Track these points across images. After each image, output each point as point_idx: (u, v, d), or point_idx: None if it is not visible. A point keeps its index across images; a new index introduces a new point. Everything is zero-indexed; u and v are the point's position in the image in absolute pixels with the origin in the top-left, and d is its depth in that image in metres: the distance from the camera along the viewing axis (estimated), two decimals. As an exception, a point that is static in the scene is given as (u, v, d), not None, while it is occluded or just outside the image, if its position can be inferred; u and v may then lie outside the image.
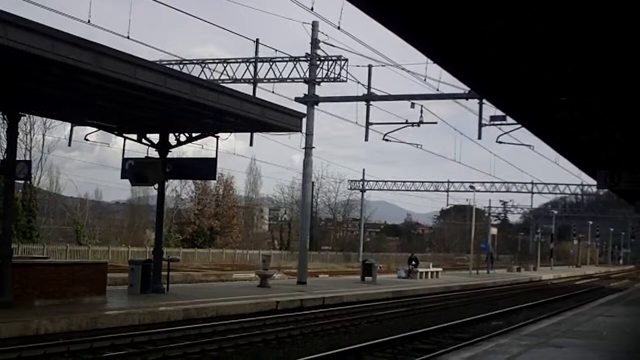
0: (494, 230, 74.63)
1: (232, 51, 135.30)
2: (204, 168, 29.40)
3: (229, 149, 63.78)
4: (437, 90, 36.62)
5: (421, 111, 38.84)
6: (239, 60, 39.61)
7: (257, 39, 38.99)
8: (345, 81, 37.78)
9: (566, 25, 15.79)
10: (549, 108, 25.64)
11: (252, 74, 38.99)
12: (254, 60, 39.11)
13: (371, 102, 39.99)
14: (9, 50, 16.72)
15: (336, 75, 37.82)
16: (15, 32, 16.49)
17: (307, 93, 38.71)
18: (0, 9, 16.33)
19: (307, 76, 38.29)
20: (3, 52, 16.87)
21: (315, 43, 38.01)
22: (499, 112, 32.89)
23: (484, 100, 34.71)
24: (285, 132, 29.29)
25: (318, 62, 38.18)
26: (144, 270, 26.99)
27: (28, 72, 19.41)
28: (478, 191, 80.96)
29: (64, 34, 17.73)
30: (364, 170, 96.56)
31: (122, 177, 28.69)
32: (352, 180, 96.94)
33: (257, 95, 36.12)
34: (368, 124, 40.19)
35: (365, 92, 39.68)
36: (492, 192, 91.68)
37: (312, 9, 28.74)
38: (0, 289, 20.32)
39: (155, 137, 27.83)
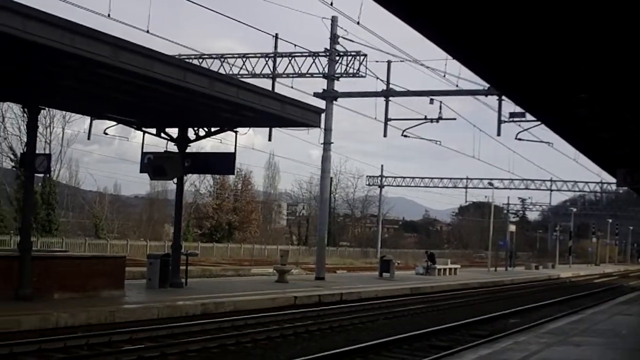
0: (512, 228, 74.41)
1: (251, 46, 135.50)
2: (223, 163, 29.45)
3: (248, 144, 63.97)
4: (457, 86, 36.57)
5: (440, 107, 38.85)
6: (258, 55, 39.61)
7: (277, 34, 39.03)
8: (364, 77, 37.75)
9: (586, 22, 15.71)
10: (568, 105, 25.48)
11: (271, 68, 39.00)
12: (273, 55, 39.12)
13: (390, 98, 39.93)
14: (29, 44, 16.81)
15: (355, 71, 37.78)
16: (36, 25, 16.56)
17: (325, 88, 38.68)
18: (20, 3, 16.41)
19: (326, 71, 38.26)
20: (23, 45, 16.96)
21: (334, 38, 37.98)
22: (519, 109, 32.78)
23: (503, 97, 34.61)
24: (304, 127, 29.31)
25: (337, 58, 38.15)
26: (163, 264, 27.06)
27: (48, 66, 19.49)
28: (497, 188, 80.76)
29: (83, 27, 17.81)
30: (382, 166, 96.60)
31: (141, 171, 28.80)
32: (370, 176, 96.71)
33: (276, 90, 36.12)
34: (387, 119, 40.14)
35: (384, 87, 39.60)
36: (511, 189, 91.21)
37: (331, 4, 28.67)
38: (21, 282, 20.45)
39: (174, 132, 27.90)
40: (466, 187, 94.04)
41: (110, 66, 18.92)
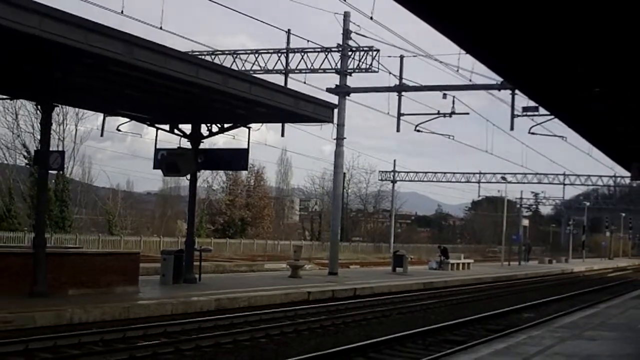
0: (525, 222, 74.27)
1: (263, 42, 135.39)
2: (236, 159, 29.47)
3: (260, 140, 63.92)
4: (470, 80, 36.52)
5: (453, 102, 38.76)
6: (271, 51, 39.61)
7: (289, 30, 39.01)
8: (377, 72, 37.71)
9: (600, 15, 15.67)
10: (582, 99, 25.45)
11: (284, 64, 38.98)
12: (285, 50, 39.09)
13: (403, 93, 39.89)
14: (43, 42, 16.87)
15: (368, 66, 37.73)
16: (50, 23, 16.64)
17: (338, 84, 38.66)
18: (35, 1, 16.47)
19: (339, 67, 38.23)
20: (37, 43, 17.01)
21: (346, 33, 37.94)
22: (532, 103, 32.73)
23: (517, 91, 34.56)
24: (317, 122, 29.30)
25: (349, 53, 38.11)
26: (176, 260, 27.11)
27: (61, 63, 19.56)
28: (510, 182, 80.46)
29: (96, 24, 17.86)
30: (394, 161, 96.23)
31: (155, 167, 28.86)
32: (383, 171, 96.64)
33: (289, 85, 36.14)
34: (400, 114, 40.10)
35: (397, 82, 39.57)
36: (524, 183, 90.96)
37: (344, -1, 28.70)
38: (35, 279, 20.52)
39: (187, 128, 27.95)
40: (479, 182, 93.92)
41: (124, 63, 18.97)
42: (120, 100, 24.55)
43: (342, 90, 38.70)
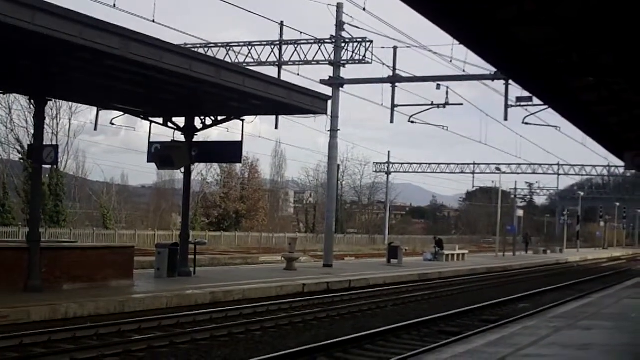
0: (520, 212, 74.32)
1: (257, 35, 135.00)
2: (230, 151, 29.44)
3: (254, 132, 63.43)
4: (463, 71, 36.48)
5: (447, 93, 38.79)
6: (264, 43, 39.58)
7: (282, 22, 38.96)
8: (371, 63, 37.71)
9: (595, 5, 15.67)
10: (576, 89, 25.45)
11: (277, 56, 38.95)
12: (278, 42, 39.05)
13: (396, 84, 39.87)
14: (36, 36, 16.82)
15: (361, 57, 37.71)
16: (43, 17, 16.58)
17: (332, 75, 38.63)
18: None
19: (332, 58, 38.20)
20: (31, 37, 16.96)
21: (340, 25, 37.91)
22: (525, 93, 32.74)
23: (510, 81, 34.57)
24: (311, 114, 29.26)
25: (343, 44, 38.07)
26: (171, 253, 27.08)
27: (55, 57, 19.52)
28: (504, 173, 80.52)
29: (91, 18, 17.81)
30: (389, 152, 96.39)
31: (149, 161, 28.79)
32: (377, 163, 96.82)
33: (282, 77, 36.09)
34: (393, 106, 40.08)
35: (391, 73, 39.55)
36: (518, 173, 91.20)
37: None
38: (30, 273, 20.49)
39: (181, 121, 27.90)
40: (473, 173, 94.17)
41: (119, 57, 18.93)
42: (114, 94, 24.49)
43: (336, 82, 38.67)
